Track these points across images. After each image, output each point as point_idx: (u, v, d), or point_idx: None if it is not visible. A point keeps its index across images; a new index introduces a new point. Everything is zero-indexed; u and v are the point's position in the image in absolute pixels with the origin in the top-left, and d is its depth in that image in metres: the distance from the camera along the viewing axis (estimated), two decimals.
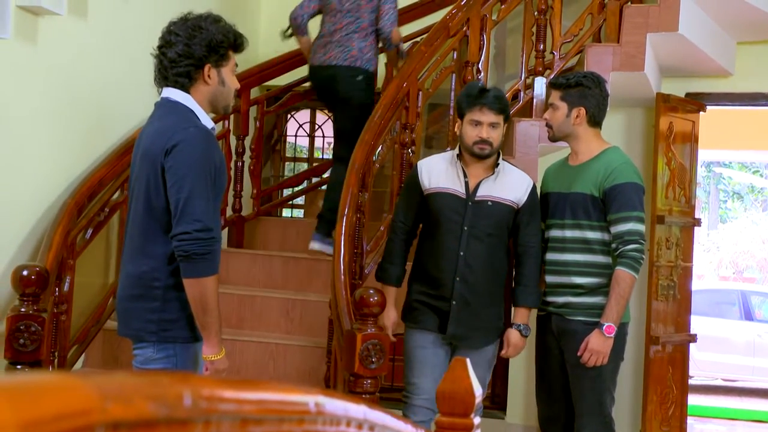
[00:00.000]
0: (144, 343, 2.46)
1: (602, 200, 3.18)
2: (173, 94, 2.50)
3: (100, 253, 4.15)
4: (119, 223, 4.20)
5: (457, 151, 3.19)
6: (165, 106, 2.52)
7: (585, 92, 3.28)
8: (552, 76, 4.27)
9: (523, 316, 3.22)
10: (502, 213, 3.13)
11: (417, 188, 3.20)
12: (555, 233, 3.28)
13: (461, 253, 3.09)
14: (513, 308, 3.28)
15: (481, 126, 3.09)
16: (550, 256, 3.29)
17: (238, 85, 2.60)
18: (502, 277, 3.23)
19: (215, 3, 5.12)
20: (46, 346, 3.01)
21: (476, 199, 3.12)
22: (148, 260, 2.45)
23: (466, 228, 3.09)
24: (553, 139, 3.37)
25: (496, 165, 3.15)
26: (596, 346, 3.12)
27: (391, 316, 3.18)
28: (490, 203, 3.12)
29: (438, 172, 3.18)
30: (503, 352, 3.24)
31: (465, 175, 3.14)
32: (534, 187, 3.21)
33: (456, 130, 3.22)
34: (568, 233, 3.23)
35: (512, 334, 3.21)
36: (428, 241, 3.19)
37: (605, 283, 3.18)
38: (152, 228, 2.44)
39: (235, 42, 2.53)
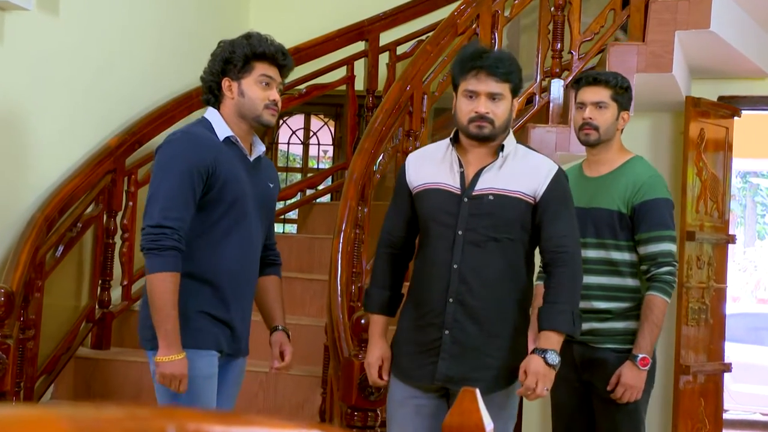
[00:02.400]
0: (148, 352, 2.66)
1: (630, 217, 3.15)
2: (207, 110, 2.77)
3: (72, 272, 4.15)
4: (93, 239, 4.21)
5: (452, 134, 2.74)
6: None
7: (631, 96, 3.27)
8: (577, 65, 4.28)
9: (549, 340, 2.61)
10: (510, 210, 2.63)
11: (405, 188, 2.76)
12: None
13: (454, 266, 2.61)
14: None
15: (478, 98, 2.61)
16: None
17: (265, 96, 2.71)
18: (522, 298, 2.70)
19: (196, 1, 5.16)
20: (11, 375, 3.02)
21: (473, 193, 2.63)
22: None
23: (460, 232, 2.62)
24: (596, 143, 3.21)
25: (501, 149, 2.67)
26: (630, 380, 3.07)
27: (373, 353, 2.75)
28: (491, 197, 2.62)
29: (428, 164, 2.74)
30: (520, 387, 2.66)
31: (460, 165, 2.67)
32: (560, 175, 2.69)
33: (453, 108, 2.76)
34: (591, 253, 3.16)
35: (532, 361, 2.59)
36: (419, 256, 2.76)
37: (634, 307, 3.15)
38: None
39: (255, 52, 2.69)
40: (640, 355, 3.08)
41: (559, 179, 2.68)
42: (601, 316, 3.16)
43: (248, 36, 2.74)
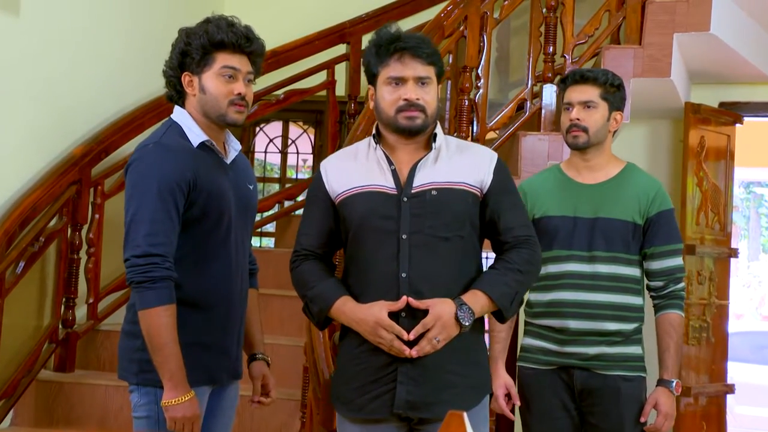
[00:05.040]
0: (131, 387, 2.57)
1: (643, 229, 3.11)
2: (174, 110, 2.65)
3: (34, 290, 4.13)
4: (56, 254, 4.19)
5: (373, 131, 2.61)
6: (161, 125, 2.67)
7: (624, 95, 3.21)
8: (571, 68, 4.29)
9: (477, 298, 2.47)
10: (457, 203, 2.51)
11: (323, 198, 2.58)
12: (575, 267, 3.10)
13: (403, 275, 2.44)
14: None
15: (405, 83, 2.49)
16: (572, 295, 3.08)
17: (228, 90, 2.57)
18: None
19: (165, 1, 5.15)
20: None
21: (413, 191, 2.49)
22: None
23: (404, 236, 2.45)
24: (585, 146, 3.13)
25: (433, 139, 2.55)
26: (670, 409, 3.05)
27: (374, 310, 2.43)
28: (433, 192, 2.48)
29: (350, 167, 2.58)
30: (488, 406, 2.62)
31: (390, 162, 2.53)
32: (501, 161, 2.61)
33: (370, 102, 2.62)
34: (602, 268, 3.07)
35: (442, 307, 2.43)
36: (353, 271, 2.56)
37: (639, 329, 3.11)
38: None
39: (213, 41, 2.55)
40: (675, 381, 3.06)
41: (502, 166, 2.60)
42: (612, 339, 3.06)
43: (207, 21, 2.59)
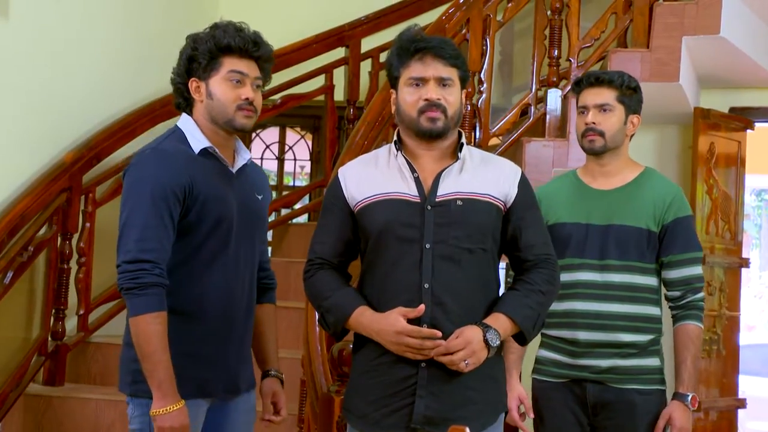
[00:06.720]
0: (127, 399, 2.58)
1: (659, 236, 3.09)
2: (180, 117, 2.68)
3: (22, 301, 4.13)
4: (45, 264, 4.19)
5: (395, 137, 2.61)
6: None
7: (641, 98, 3.20)
8: (576, 72, 4.30)
9: (500, 322, 2.46)
10: (482, 215, 2.51)
11: (341, 205, 2.58)
12: (586, 276, 3.08)
13: (425, 286, 2.43)
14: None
15: (426, 84, 2.50)
16: (584, 305, 3.08)
17: (236, 95, 2.59)
18: None
19: (160, 3, 5.16)
20: None
21: (437, 200, 2.48)
22: None
23: (428, 246, 2.45)
24: (602, 150, 3.12)
25: (459, 149, 2.56)
26: (686, 424, 3.02)
27: (390, 318, 2.42)
28: (459, 202, 2.48)
29: (371, 174, 2.57)
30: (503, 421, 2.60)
31: (412, 170, 2.52)
32: (525, 177, 2.63)
33: (391, 107, 2.63)
34: (615, 277, 3.06)
35: (471, 333, 2.41)
36: (371, 281, 2.55)
37: (657, 340, 3.10)
38: None
39: (220, 46, 2.58)
40: (691, 394, 3.03)
41: (526, 182, 2.63)
42: (625, 351, 3.05)
43: (215, 26, 2.63)
